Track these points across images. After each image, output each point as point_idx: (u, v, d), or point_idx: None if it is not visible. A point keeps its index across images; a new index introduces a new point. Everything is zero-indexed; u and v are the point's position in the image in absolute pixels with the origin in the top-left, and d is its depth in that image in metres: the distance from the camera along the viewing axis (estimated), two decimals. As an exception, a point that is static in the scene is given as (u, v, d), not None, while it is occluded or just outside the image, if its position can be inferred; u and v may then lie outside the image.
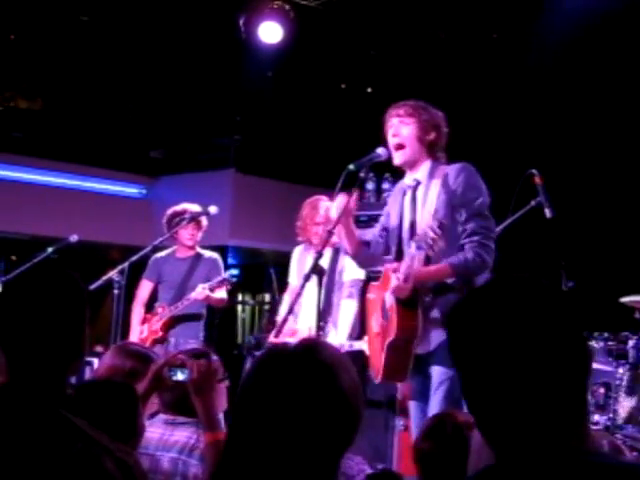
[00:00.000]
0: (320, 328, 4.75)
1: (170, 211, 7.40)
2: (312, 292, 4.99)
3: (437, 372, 4.70)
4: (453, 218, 4.67)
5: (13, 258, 10.93)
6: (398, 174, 7.22)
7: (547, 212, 6.09)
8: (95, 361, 7.26)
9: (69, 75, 10.66)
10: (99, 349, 7.69)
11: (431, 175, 4.81)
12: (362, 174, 4.84)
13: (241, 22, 8.94)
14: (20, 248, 10.62)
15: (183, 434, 3.56)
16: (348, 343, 6.20)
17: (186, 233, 7.36)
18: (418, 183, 4.86)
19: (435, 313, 4.70)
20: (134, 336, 7.21)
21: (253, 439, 1.96)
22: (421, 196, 4.85)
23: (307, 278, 4.56)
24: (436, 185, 4.75)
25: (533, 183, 6.09)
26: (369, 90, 10.86)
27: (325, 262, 4.70)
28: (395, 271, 4.65)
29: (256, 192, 10.99)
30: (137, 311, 7.39)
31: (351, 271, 6.42)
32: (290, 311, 4.72)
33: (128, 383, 3.35)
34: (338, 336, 6.19)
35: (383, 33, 9.61)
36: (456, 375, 4.61)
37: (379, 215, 7.36)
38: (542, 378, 1.66)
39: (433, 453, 3.11)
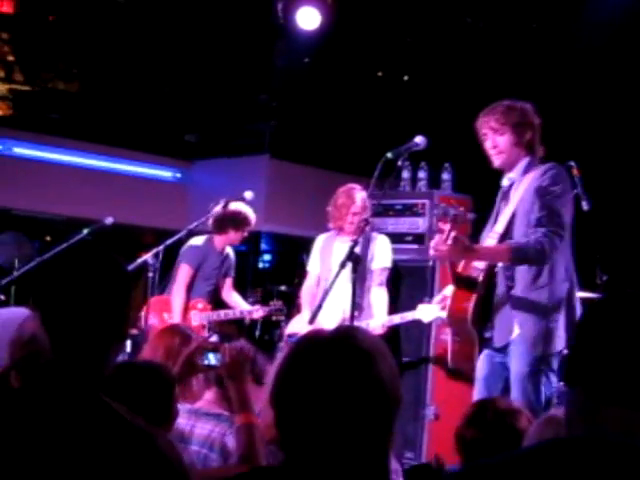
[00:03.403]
0: (353, 316, 4.75)
1: (229, 208, 7.36)
2: (343, 280, 4.99)
3: (514, 369, 4.76)
4: (532, 212, 4.73)
5: (48, 239, 10.98)
6: (434, 162, 7.23)
7: (584, 204, 6.04)
8: (128, 343, 7.31)
9: (106, 57, 10.70)
10: (133, 331, 7.71)
11: (525, 172, 4.87)
12: (399, 162, 4.84)
13: (279, 7, 8.93)
14: (55, 229, 10.68)
15: (206, 427, 3.57)
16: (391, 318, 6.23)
17: (241, 235, 7.49)
18: (512, 182, 4.91)
19: (507, 305, 4.76)
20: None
21: (295, 427, 1.96)
22: (513, 193, 4.91)
23: (343, 265, 4.57)
24: (526, 182, 4.82)
25: (571, 175, 6.05)
26: (405, 78, 10.81)
27: (356, 250, 4.71)
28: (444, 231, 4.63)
29: (291, 178, 10.97)
30: (181, 297, 7.36)
31: (380, 259, 6.42)
32: (324, 298, 4.72)
33: (166, 365, 3.37)
34: (378, 319, 6.19)
35: (420, 20, 9.57)
36: (532, 374, 4.63)
37: (414, 204, 7.41)
38: None
39: (476, 440, 3.10)
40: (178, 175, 11.67)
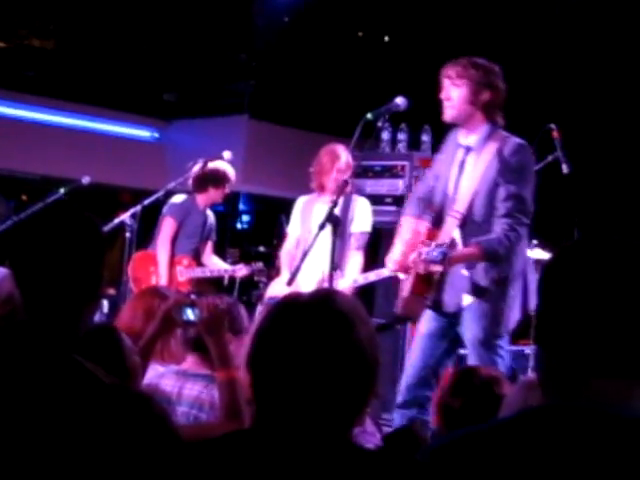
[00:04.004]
0: (332, 278, 4.74)
1: (213, 165, 7.33)
2: (322, 241, 4.97)
3: (470, 335, 4.79)
4: (494, 192, 4.69)
5: (24, 198, 10.89)
6: (414, 124, 7.21)
7: (564, 167, 6.06)
8: (105, 303, 7.29)
9: (83, 15, 10.56)
10: (110, 292, 7.69)
11: (485, 141, 4.76)
12: (379, 123, 4.80)
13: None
14: (31, 188, 10.60)
15: (195, 387, 3.56)
16: (362, 276, 6.22)
17: (221, 192, 7.46)
18: (470, 149, 4.82)
19: (462, 275, 4.75)
20: (164, 277, 7.22)
21: (271, 390, 1.94)
22: (471, 163, 4.81)
23: (322, 227, 4.55)
24: (488, 154, 4.72)
25: (551, 138, 6.05)
26: (386, 39, 10.75)
27: (336, 211, 4.69)
28: (424, 243, 4.61)
29: (270, 139, 10.90)
30: (166, 249, 7.31)
31: (359, 223, 6.39)
32: (303, 260, 4.70)
33: (107, 324, 3.35)
34: (347, 279, 6.19)
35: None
36: (489, 340, 4.65)
37: (394, 166, 7.38)
38: (622, 325, 1.65)
39: (461, 408, 3.10)
40: (156, 135, 11.58)
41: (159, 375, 3.64)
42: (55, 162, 10.20)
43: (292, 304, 2.05)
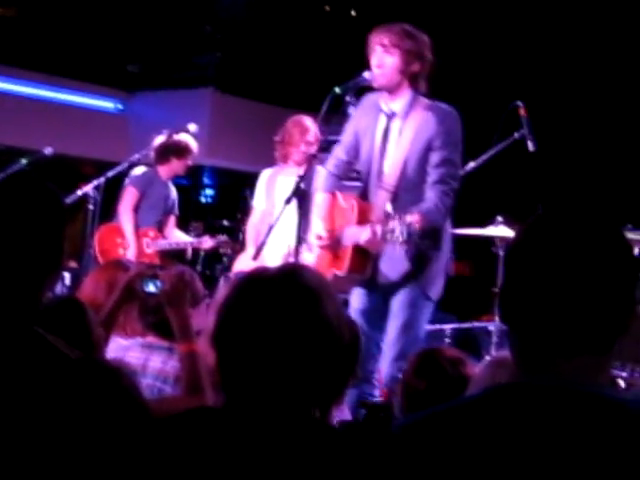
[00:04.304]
0: (298, 252, 4.72)
1: (166, 138, 7.28)
2: (288, 215, 4.94)
3: (398, 300, 4.82)
4: (426, 159, 4.66)
5: (-15, 168, 10.75)
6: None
7: (530, 145, 6.06)
8: (67, 276, 7.23)
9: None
10: (72, 264, 7.63)
11: (409, 109, 4.76)
12: (347, 98, 4.78)
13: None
14: (-8, 158, 10.47)
15: (159, 359, 3.54)
16: None
17: (183, 164, 7.43)
18: (394, 114, 4.79)
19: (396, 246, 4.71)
20: (133, 246, 7.18)
21: (237, 367, 1.92)
22: (395, 131, 4.80)
23: (288, 201, 4.52)
24: (413, 122, 4.71)
25: (518, 115, 6.05)
26: (353, 13, 10.69)
27: (293, 182, 4.67)
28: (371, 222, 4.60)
29: (235, 112, 10.85)
30: (129, 218, 7.26)
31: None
32: (268, 234, 4.67)
33: (74, 298, 3.31)
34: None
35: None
36: (416, 304, 4.69)
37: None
38: (585, 303, 1.64)
39: (428, 390, 3.09)
40: (119, 106, 11.48)
41: (124, 348, 3.62)
42: (17, 132, 10.06)
43: (258, 279, 2.02)
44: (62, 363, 1.98)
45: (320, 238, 4.89)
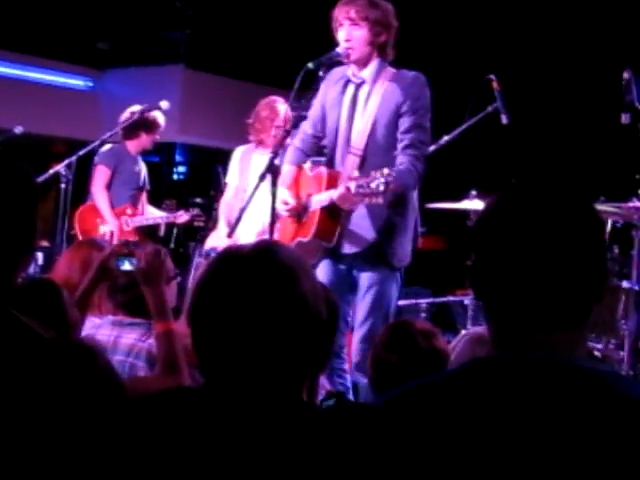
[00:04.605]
0: (273, 229, 4.69)
1: (133, 110, 7.25)
2: (262, 192, 4.92)
3: (366, 276, 4.79)
4: (395, 125, 4.66)
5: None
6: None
7: (503, 118, 6.05)
8: (40, 256, 7.17)
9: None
10: (44, 244, 7.57)
11: (377, 76, 4.75)
12: (321, 73, 4.75)
13: None
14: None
15: (131, 336, 3.53)
16: None
17: (153, 138, 7.45)
18: (362, 82, 4.78)
19: (361, 215, 4.70)
20: (112, 223, 7.17)
21: (215, 346, 1.90)
22: (363, 98, 4.80)
23: (262, 178, 4.50)
24: (380, 88, 4.71)
25: (491, 88, 6.04)
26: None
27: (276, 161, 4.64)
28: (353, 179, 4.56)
29: (206, 89, 10.81)
30: (104, 197, 7.27)
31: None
32: (243, 211, 4.65)
33: (48, 279, 3.29)
34: None
35: None
36: (386, 281, 4.70)
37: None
38: (557, 271, 1.64)
39: (399, 363, 3.08)
40: (90, 84, 11.40)
41: (96, 326, 3.60)
42: (-14, 111, 9.96)
43: (233, 257, 2.00)
44: (36, 343, 1.96)
45: (286, 204, 4.86)
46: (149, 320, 3.45)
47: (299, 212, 4.90)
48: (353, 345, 4.78)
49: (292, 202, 4.86)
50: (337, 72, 4.94)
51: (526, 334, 1.65)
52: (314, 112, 5.06)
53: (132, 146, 7.40)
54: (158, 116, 7.39)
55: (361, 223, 4.73)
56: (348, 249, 4.78)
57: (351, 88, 4.84)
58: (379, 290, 4.74)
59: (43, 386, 1.87)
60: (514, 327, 1.66)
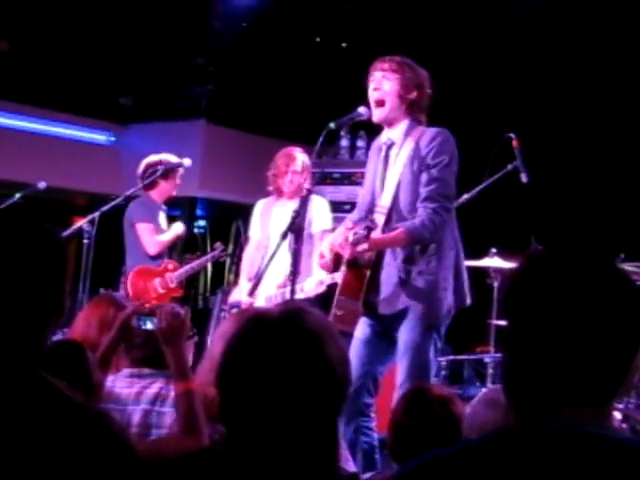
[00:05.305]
0: (294, 286, 4.71)
1: (149, 161, 7.31)
2: (282, 249, 4.95)
3: (403, 337, 4.76)
4: (419, 181, 4.69)
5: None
6: (372, 132, 7.21)
7: (523, 177, 6.07)
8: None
9: (38, 16, 10.43)
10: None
11: (407, 135, 4.79)
12: (342, 132, 4.81)
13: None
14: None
15: (154, 385, 3.51)
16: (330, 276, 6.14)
17: (174, 184, 7.42)
18: (392, 143, 4.83)
19: (394, 275, 4.72)
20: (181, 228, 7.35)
21: (241, 409, 1.92)
22: (393, 156, 4.84)
23: (284, 236, 4.53)
24: (409, 146, 4.74)
25: (511, 147, 6.07)
26: (344, 45, 10.74)
27: (290, 212, 4.67)
28: (351, 229, 4.63)
29: (227, 144, 10.87)
30: (161, 242, 7.35)
31: (319, 222, 6.35)
32: (266, 268, 4.67)
33: (74, 341, 3.28)
34: (311, 280, 6.07)
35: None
36: (423, 343, 4.68)
37: (353, 173, 7.40)
38: (591, 347, 1.62)
39: (418, 429, 3.08)
40: (112, 139, 11.48)
41: (111, 380, 3.57)
42: (10, 166, 10.05)
43: (261, 321, 2.02)
44: (67, 407, 1.97)
45: (322, 257, 4.89)
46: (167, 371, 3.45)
47: (330, 268, 4.92)
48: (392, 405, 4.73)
49: (327, 256, 4.86)
50: (374, 144, 5.04)
51: (552, 405, 1.64)
52: (365, 181, 5.15)
53: (156, 195, 7.41)
54: (164, 157, 7.40)
55: (391, 282, 4.74)
56: (383, 309, 4.78)
57: (384, 149, 4.89)
58: (416, 352, 4.69)
59: (58, 449, 1.88)
60: (540, 397, 1.65)
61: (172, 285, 7.29)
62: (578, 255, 1.70)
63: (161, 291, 7.20)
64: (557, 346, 1.63)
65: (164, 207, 7.51)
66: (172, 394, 3.40)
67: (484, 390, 2.99)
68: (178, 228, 7.46)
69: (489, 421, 2.60)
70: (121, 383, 3.53)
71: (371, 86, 4.80)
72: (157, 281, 7.23)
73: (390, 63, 4.78)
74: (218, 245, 7.73)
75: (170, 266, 7.36)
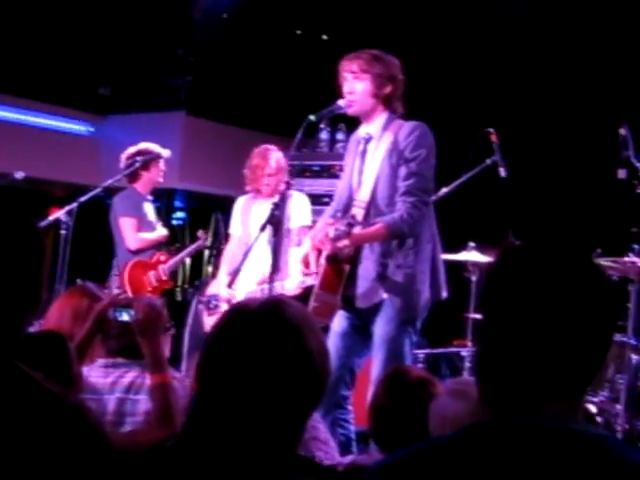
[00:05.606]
0: (273, 279, 4.72)
1: (128, 153, 7.29)
2: (261, 242, 4.95)
3: (378, 331, 4.79)
4: (397, 175, 4.69)
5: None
6: (352, 124, 7.22)
7: (501, 171, 6.10)
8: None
9: (17, 6, 10.37)
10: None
11: (385, 129, 4.81)
12: (322, 125, 4.82)
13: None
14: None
15: (129, 374, 3.51)
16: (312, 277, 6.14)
17: (157, 173, 7.39)
18: (370, 137, 4.84)
19: (372, 269, 4.73)
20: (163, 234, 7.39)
21: (220, 400, 1.92)
22: (372, 150, 4.86)
23: (263, 229, 4.54)
24: (387, 139, 4.76)
25: (490, 141, 6.09)
26: (324, 37, 10.74)
27: (267, 210, 4.68)
28: (332, 225, 4.64)
29: (207, 136, 10.85)
30: (142, 237, 7.35)
31: (298, 218, 6.36)
32: (244, 259, 4.68)
33: (57, 332, 3.27)
34: (293, 280, 6.07)
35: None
36: (398, 336, 4.71)
37: (332, 166, 7.41)
38: (565, 343, 1.63)
39: (397, 410, 3.11)
40: (91, 129, 11.43)
41: (87, 370, 3.56)
42: (-12, 156, 10.00)
43: (241, 313, 2.03)
44: (43, 399, 1.97)
45: (306, 265, 4.90)
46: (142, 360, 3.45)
47: (308, 263, 4.92)
48: (368, 400, 4.72)
49: (311, 263, 4.86)
50: (353, 137, 5.06)
51: (524, 400, 1.65)
52: (343, 174, 5.15)
53: (140, 187, 7.41)
54: (142, 146, 7.38)
55: (369, 276, 4.76)
56: (361, 303, 4.81)
57: (362, 143, 4.90)
58: (392, 346, 4.72)
59: (40, 442, 1.88)
60: (513, 391, 1.66)
61: (164, 277, 7.30)
62: (554, 249, 1.71)
63: (155, 284, 7.21)
64: (530, 340, 1.64)
65: (150, 198, 7.50)
66: (147, 382, 3.41)
67: (448, 381, 3.01)
68: (163, 232, 7.44)
69: (452, 411, 2.63)
70: (96, 373, 3.53)
71: (345, 88, 4.81)
72: (152, 274, 7.24)
73: (359, 63, 4.78)
74: (201, 234, 7.69)
75: (162, 258, 7.37)
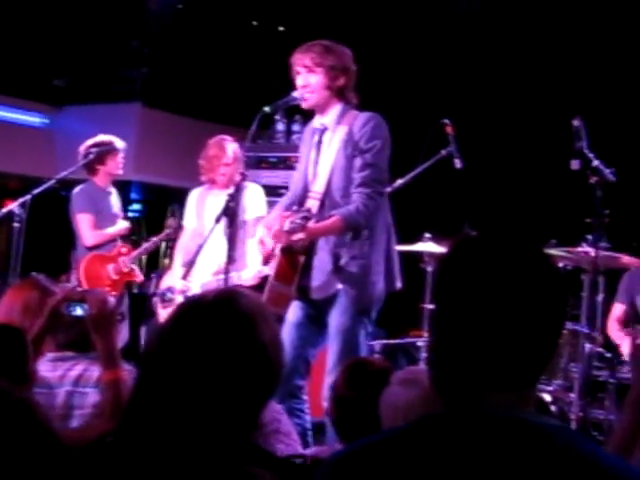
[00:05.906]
0: (229, 271, 4.72)
1: (84, 146, 7.24)
2: (216, 233, 4.94)
3: (334, 322, 4.80)
4: (352, 166, 4.70)
5: None
6: (308, 116, 7.23)
7: (457, 162, 6.13)
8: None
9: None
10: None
11: (339, 120, 4.82)
12: (277, 116, 4.82)
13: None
14: None
15: (77, 367, 3.48)
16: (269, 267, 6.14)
17: (114, 165, 7.30)
18: (325, 128, 4.85)
19: (328, 261, 4.75)
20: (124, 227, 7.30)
21: (169, 390, 1.91)
22: (326, 142, 4.86)
23: (218, 220, 4.53)
24: (342, 131, 4.77)
25: (445, 132, 6.12)
26: (281, 29, 10.73)
27: (222, 202, 4.68)
28: (287, 217, 4.64)
29: (162, 127, 10.80)
30: (97, 233, 7.25)
31: (253, 209, 6.34)
32: (199, 251, 4.67)
33: (15, 327, 3.24)
34: (250, 270, 6.06)
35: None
36: (353, 327, 4.72)
37: (288, 157, 7.41)
38: (515, 332, 1.64)
39: (359, 399, 3.13)
40: (46, 121, 11.33)
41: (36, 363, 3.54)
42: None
43: (195, 304, 2.03)
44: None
45: (262, 243, 4.88)
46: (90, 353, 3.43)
47: (269, 253, 4.92)
48: (324, 390, 4.73)
49: (268, 244, 4.84)
50: (307, 128, 5.06)
51: (477, 390, 1.66)
52: (298, 165, 5.13)
53: (100, 180, 7.35)
54: (99, 139, 7.31)
55: (324, 268, 4.77)
56: (316, 294, 4.82)
57: (316, 135, 4.90)
58: (347, 336, 4.74)
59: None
60: (465, 382, 1.67)
61: (126, 270, 7.21)
62: (505, 240, 1.72)
63: (115, 277, 7.13)
64: (480, 330, 1.65)
65: (111, 189, 7.45)
66: (95, 375, 3.39)
67: (398, 371, 3.05)
68: (123, 225, 7.39)
69: (404, 399, 2.66)
70: (45, 367, 3.49)
71: (298, 82, 4.81)
72: (110, 267, 7.17)
73: (311, 56, 4.77)
74: (171, 223, 7.61)
75: (123, 250, 7.30)
